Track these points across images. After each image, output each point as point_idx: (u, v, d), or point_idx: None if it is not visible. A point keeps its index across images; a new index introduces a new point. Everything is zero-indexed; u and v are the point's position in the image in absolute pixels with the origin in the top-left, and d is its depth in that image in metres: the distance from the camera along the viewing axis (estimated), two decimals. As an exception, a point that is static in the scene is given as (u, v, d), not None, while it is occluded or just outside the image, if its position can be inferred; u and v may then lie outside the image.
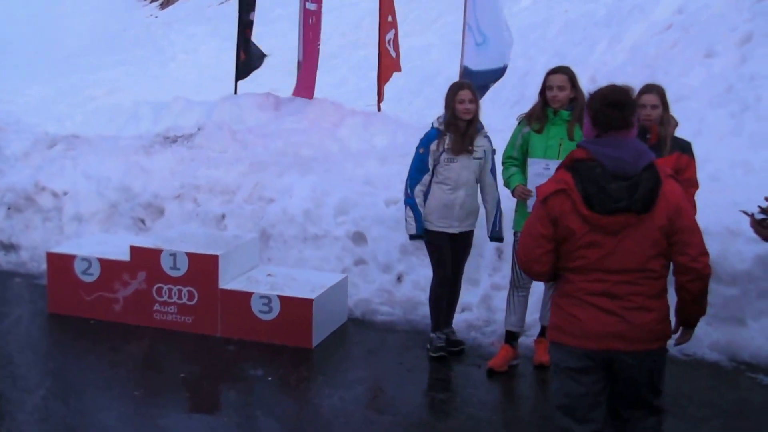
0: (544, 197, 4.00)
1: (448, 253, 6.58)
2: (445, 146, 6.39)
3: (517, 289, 6.41)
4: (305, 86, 10.97)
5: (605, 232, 3.91)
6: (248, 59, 11.69)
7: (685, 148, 5.96)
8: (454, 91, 6.40)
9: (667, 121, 5.92)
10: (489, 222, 6.63)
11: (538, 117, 6.22)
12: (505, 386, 6.32)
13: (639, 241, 3.91)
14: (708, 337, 6.68)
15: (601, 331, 3.96)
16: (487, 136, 6.55)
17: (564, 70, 6.23)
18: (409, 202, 6.50)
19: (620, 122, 3.95)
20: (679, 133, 6.06)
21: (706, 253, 3.99)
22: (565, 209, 3.94)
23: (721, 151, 7.91)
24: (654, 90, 5.96)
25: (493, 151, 6.59)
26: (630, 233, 3.90)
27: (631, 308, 3.94)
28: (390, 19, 10.59)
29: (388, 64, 10.82)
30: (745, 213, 4.89)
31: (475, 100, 6.39)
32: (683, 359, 6.57)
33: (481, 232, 6.85)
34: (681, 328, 4.21)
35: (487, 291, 7.47)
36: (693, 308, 4.12)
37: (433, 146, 6.42)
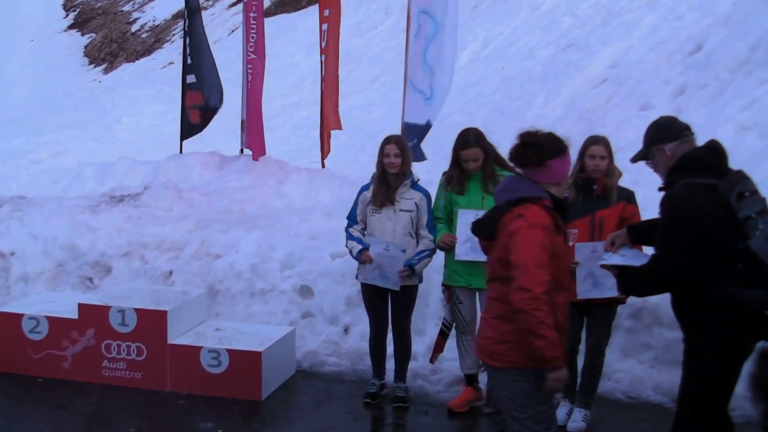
0: None
1: (381, 305, 6.73)
2: (369, 197, 6.61)
3: (464, 334, 6.57)
4: (256, 144, 11.08)
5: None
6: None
7: (629, 198, 6.13)
8: (381, 145, 6.59)
9: (612, 171, 6.08)
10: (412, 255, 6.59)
11: (457, 181, 6.41)
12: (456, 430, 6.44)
13: (489, 262, 4.55)
14: (651, 380, 6.84)
15: None
16: (419, 189, 6.59)
17: (476, 142, 6.30)
18: (347, 234, 6.68)
19: (530, 160, 4.38)
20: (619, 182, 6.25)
21: (524, 290, 4.18)
22: None
23: (658, 200, 8.15)
24: (601, 141, 6.11)
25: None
26: (489, 254, 4.55)
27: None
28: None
29: (332, 121, 10.92)
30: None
31: (402, 154, 6.50)
32: (628, 401, 6.73)
33: (426, 284, 7.04)
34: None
35: (433, 340, 7.54)
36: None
37: (362, 198, 6.66)
